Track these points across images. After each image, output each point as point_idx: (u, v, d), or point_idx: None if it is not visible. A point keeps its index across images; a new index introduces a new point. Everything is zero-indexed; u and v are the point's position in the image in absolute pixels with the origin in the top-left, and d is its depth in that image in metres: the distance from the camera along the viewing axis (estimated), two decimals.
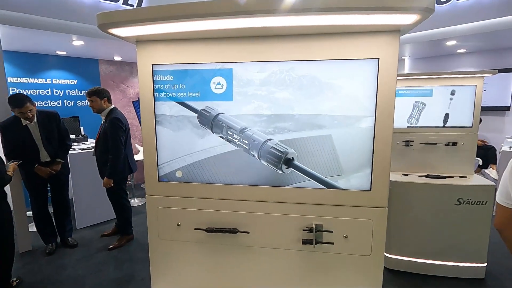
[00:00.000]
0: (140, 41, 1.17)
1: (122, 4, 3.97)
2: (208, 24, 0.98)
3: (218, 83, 1.17)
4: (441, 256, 2.66)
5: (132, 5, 4.06)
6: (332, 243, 1.16)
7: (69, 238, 3.37)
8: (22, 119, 2.87)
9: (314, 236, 1.15)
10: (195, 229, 1.27)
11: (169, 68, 1.20)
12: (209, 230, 1.24)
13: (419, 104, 2.95)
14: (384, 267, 2.77)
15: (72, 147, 4.21)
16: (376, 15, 0.87)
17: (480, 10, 3.93)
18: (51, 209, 3.29)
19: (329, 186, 1.15)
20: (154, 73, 1.20)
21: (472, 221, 2.56)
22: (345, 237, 1.16)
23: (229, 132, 1.18)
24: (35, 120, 2.96)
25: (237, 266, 1.28)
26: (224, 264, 1.30)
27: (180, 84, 1.20)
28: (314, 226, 1.15)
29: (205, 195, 1.25)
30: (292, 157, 1.15)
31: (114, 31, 1.02)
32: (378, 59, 1.03)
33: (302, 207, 1.18)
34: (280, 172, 1.17)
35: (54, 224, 3.31)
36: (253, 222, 1.23)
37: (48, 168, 3.02)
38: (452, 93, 2.86)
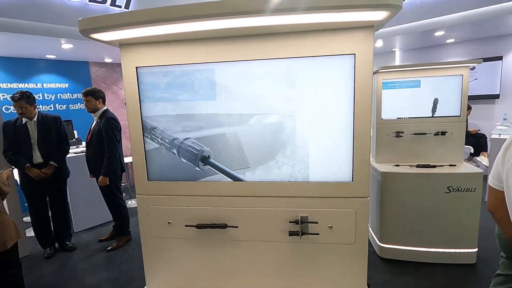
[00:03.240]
0: (124, 44, 1.19)
1: (110, 5, 3.96)
2: (188, 26, 1.00)
3: (201, 83, 1.20)
4: (433, 243, 2.73)
5: (120, 6, 4.05)
6: (318, 234, 1.20)
7: (67, 242, 3.39)
8: (23, 118, 2.96)
9: (300, 228, 1.19)
10: (186, 226, 1.30)
11: (153, 70, 1.22)
12: (199, 226, 1.28)
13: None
14: (378, 256, 2.86)
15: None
16: (350, 12, 0.91)
17: (467, 0, 3.97)
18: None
19: (235, 178, 1.24)
20: (138, 75, 1.22)
21: (462, 208, 2.63)
22: (330, 227, 1.20)
23: (152, 132, 1.25)
24: (35, 119, 3.02)
25: (227, 259, 1.33)
26: (214, 258, 1.34)
27: (164, 85, 1.23)
28: (299, 218, 1.20)
29: (194, 192, 1.29)
30: (208, 155, 1.24)
31: (96, 35, 1.05)
32: (354, 54, 1.06)
33: (288, 200, 1.22)
34: (197, 168, 1.26)
35: (52, 229, 3.33)
36: (241, 216, 1.27)
37: (39, 170, 3.01)
38: (435, 103, 2.94)
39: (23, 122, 2.98)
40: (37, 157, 3.04)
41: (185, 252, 1.35)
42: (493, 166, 1.12)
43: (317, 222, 1.19)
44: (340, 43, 1.06)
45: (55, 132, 3.13)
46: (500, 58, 5.16)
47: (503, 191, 1.04)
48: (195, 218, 1.30)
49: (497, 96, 5.30)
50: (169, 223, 1.33)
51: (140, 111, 1.25)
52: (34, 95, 3.04)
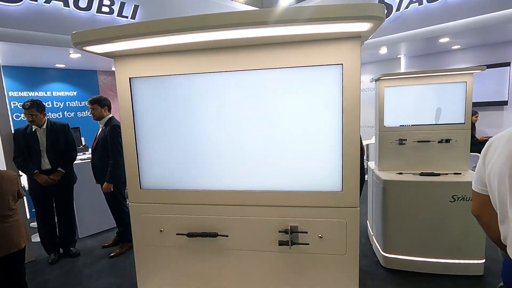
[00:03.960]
0: (117, 55, 1.22)
1: (117, 16, 4.08)
2: (180, 38, 1.03)
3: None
4: (438, 253, 2.66)
5: (127, 17, 4.16)
6: (308, 244, 1.19)
7: (71, 248, 3.43)
8: (33, 125, 3.05)
9: (290, 238, 1.19)
10: (177, 234, 1.31)
11: (147, 80, 1.25)
12: (190, 235, 1.29)
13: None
14: (382, 266, 2.80)
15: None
16: (335, 24, 0.92)
17: (471, 6, 3.94)
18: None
19: None
20: (132, 85, 1.25)
21: (468, 218, 2.55)
22: (320, 237, 1.19)
23: None
24: (44, 127, 3.12)
25: (218, 268, 1.32)
26: (205, 267, 1.34)
27: (158, 95, 1.25)
28: (289, 228, 1.19)
29: (185, 201, 1.30)
30: None
31: (90, 48, 1.08)
32: (342, 64, 1.07)
33: (278, 210, 1.22)
34: None
35: (57, 234, 3.37)
36: (232, 225, 1.27)
37: (47, 176, 3.09)
38: (438, 113, 2.92)
39: (33, 130, 3.09)
40: (46, 164, 3.12)
41: (177, 261, 1.36)
42: (476, 171, 1.12)
43: (306, 232, 1.18)
44: (328, 54, 1.07)
45: (63, 139, 3.22)
46: (508, 64, 5.06)
47: (487, 195, 1.06)
48: (186, 226, 1.31)
49: (505, 103, 5.19)
50: (161, 231, 1.34)
51: (133, 120, 1.27)
52: (44, 103, 3.13)
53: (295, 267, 1.24)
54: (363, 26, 0.91)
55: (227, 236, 1.27)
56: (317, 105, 1.14)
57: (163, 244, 1.35)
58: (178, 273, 1.37)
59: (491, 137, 3.77)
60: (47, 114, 3.20)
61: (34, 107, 2.99)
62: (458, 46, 5.36)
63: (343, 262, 1.19)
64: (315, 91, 1.13)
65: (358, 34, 1.01)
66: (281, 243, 1.19)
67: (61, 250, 3.42)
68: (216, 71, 1.17)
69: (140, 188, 1.33)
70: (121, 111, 1.27)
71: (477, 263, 2.62)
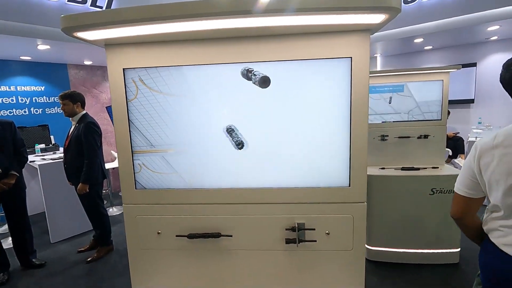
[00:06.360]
0: (109, 44, 1.12)
1: (90, 6, 3.82)
2: (179, 26, 0.96)
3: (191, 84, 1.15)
4: (418, 244, 2.78)
5: (101, 7, 3.91)
6: (315, 241, 1.17)
7: (33, 260, 3.08)
8: None
9: (297, 235, 1.16)
10: (177, 236, 1.23)
11: (142, 71, 1.16)
12: (191, 236, 1.22)
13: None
14: (366, 258, 2.87)
15: (43, 157, 4.01)
16: (348, 15, 0.89)
17: (444, 9, 4.15)
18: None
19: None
20: (126, 77, 1.15)
21: (445, 209, 2.68)
22: (327, 233, 1.18)
23: None
24: None
25: (222, 270, 1.27)
26: (208, 269, 1.27)
27: (155, 87, 1.17)
28: (296, 225, 1.16)
29: (184, 200, 1.23)
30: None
31: (81, 34, 0.98)
32: (351, 57, 1.05)
33: (284, 207, 1.18)
34: None
35: (5, 250, 2.95)
36: (236, 225, 1.22)
37: None
38: (390, 102, 3.05)
39: None
40: None
41: (177, 264, 1.28)
42: (463, 174, 1.12)
43: (314, 229, 1.16)
44: (337, 46, 1.05)
45: (10, 138, 2.82)
46: (474, 64, 5.42)
47: (473, 198, 1.10)
48: (186, 227, 1.24)
49: (472, 101, 5.55)
50: (158, 233, 1.26)
51: (127, 115, 1.18)
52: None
53: (302, 265, 1.22)
54: (377, 18, 0.90)
55: (231, 236, 1.22)
56: (325, 99, 1.11)
57: (161, 247, 1.26)
58: (178, 278, 1.29)
59: (458, 132, 3.98)
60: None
61: None
62: (430, 47, 5.65)
63: (350, 257, 1.19)
64: (323, 85, 1.10)
65: (368, 26, 0.99)
66: (288, 241, 1.16)
67: (18, 264, 3.05)
68: (220, 63, 1.11)
69: (135, 188, 1.23)
70: (113, 104, 1.17)
71: (453, 252, 2.77)
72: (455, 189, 1.17)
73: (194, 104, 1.17)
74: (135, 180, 1.23)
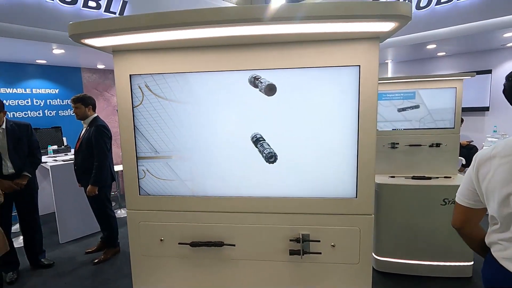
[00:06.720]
0: (117, 50, 1.13)
1: (104, 11, 3.91)
2: (186, 33, 0.96)
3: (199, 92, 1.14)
4: (429, 256, 2.69)
5: (115, 13, 3.99)
6: (320, 253, 1.14)
7: (42, 260, 3.13)
8: None
9: (301, 247, 1.13)
10: (179, 243, 1.22)
11: (149, 78, 1.16)
12: (193, 244, 1.20)
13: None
14: (374, 269, 2.81)
15: (55, 158, 4.09)
16: (357, 23, 0.87)
17: (458, 15, 4.07)
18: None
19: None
20: (132, 83, 1.16)
21: None
22: (333, 246, 1.14)
23: None
24: (4, 127, 2.77)
25: (224, 280, 1.25)
26: (210, 278, 1.26)
27: (161, 94, 1.17)
28: (301, 236, 1.13)
29: (188, 208, 1.22)
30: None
31: (88, 41, 0.99)
32: (359, 66, 1.03)
33: (288, 217, 1.16)
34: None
35: (16, 249, 3.02)
36: (239, 234, 1.20)
37: (10, 182, 2.76)
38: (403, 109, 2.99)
39: None
40: (8, 168, 2.78)
41: (179, 272, 1.27)
42: (463, 185, 1.13)
43: (319, 241, 1.13)
44: (345, 54, 1.03)
45: (26, 140, 2.90)
46: (489, 71, 5.27)
47: (473, 208, 1.10)
48: (189, 235, 1.22)
49: (487, 109, 5.40)
50: (161, 240, 1.25)
51: (133, 121, 1.18)
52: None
53: (306, 277, 1.19)
54: (386, 26, 0.88)
55: (234, 245, 1.20)
56: (332, 108, 1.09)
57: (164, 254, 1.26)
58: (180, 286, 1.27)
59: (472, 141, 3.88)
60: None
61: None
62: (443, 53, 5.54)
63: (356, 271, 1.15)
64: (330, 93, 1.08)
65: (377, 34, 0.97)
66: (292, 253, 1.13)
67: (28, 263, 3.10)
68: (227, 70, 1.10)
69: (139, 194, 1.23)
70: (119, 110, 1.18)
71: (466, 265, 2.68)
72: (456, 199, 1.17)
73: (199, 111, 1.16)
74: (139, 186, 1.23)
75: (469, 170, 1.11)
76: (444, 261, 2.69)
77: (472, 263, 2.67)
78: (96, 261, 3.19)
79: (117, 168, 4.47)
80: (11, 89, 4.52)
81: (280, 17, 0.85)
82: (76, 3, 3.66)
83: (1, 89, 4.43)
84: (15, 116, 4.45)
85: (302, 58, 1.06)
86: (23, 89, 4.64)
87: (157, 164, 1.21)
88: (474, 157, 1.08)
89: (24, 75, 4.66)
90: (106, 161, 3.11)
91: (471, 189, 1.09)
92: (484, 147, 4.39)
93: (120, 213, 4.65)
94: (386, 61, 6.29)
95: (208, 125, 1.17)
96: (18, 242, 3.41)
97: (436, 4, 4.18)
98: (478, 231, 1.17)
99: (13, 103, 4.50)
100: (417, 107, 2.97)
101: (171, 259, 1.26)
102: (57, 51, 4.00)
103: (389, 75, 6.38)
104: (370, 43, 1.00)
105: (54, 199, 3.60)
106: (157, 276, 1.28)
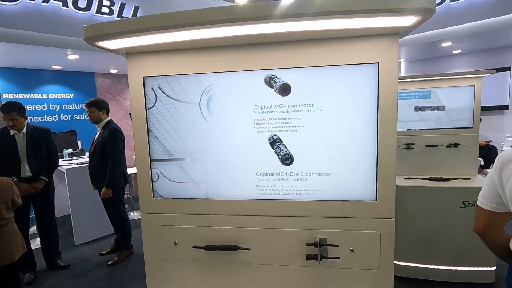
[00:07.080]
0: (130, 53, 1.13)
1: (117, 17, 3.98)
2: (201, 33, 0.94)
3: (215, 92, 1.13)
4: (448, 261, 2.60)
5: (127, 18, 4.06)
6: (338, 258, 1.10)
7: (58, 261, 3.19)
8: (10, 130, 2.80)
9: (318, 251, 1.09)
10: (193, 247, 1.20)
11: (162, 80, 1.15)
12: (207, 248, 1.18)
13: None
14: None
15: (70, 161, 4.17)
16: (375, 18, 0.84)
17: (473, 11, 3.94)
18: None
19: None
20: (145, 85, 1.15)
21: None
22: (352, 250, 1.10)
23: None
24: (24, 131, 2.86)
25: (239, 285, 1.22)
26: (225, 283, 1.23)
27: (174, 95, 1.16)
28: (318, 241, 1.09)
29: (202, 211, 1.20)
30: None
31: (102, 43, 0.99)
32: (378, 63, 0.99)
33: (305, 221, 1.12)
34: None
35: (33, 251, 3.08)
36: (254, 238, 1.17)
37: (27, 185, 2.83)
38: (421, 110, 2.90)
39: (11, 134, 2.81)
40: (26, 171, 2.85)
41: (193, 276, 1.25)
42: (485, 187, 1.07)
43: (337, 245, 1.09)
44: (363, 51, 0.99)
45: (44, 145, 2.97)
46: (508, 69, 5.09)
47: (496, 212, 1.04)
48: (203, 239, 1.21)
49: (506, 107, 5.20)
50: (175, 243, 1.23)
51: (146, 123, 1.18)
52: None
53: (324, 283, 1.15)
54: (407, 21, 0.84)
55: (249, 249, 1.17)
56: (350, 107, 1.05)
57: (178, 257, 1.24)
58: None
59: (491, 141, 3.73)
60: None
61: (15, 111, 2.72)
62: (459, 51, 5.38)
63: (377, 277, 1.10)
64: (348, 92, 1.04)
65: (397, 30, 0.93)
66: (309, 257, 1.10)
67: (44, 264, 3.16)
68: (241, 70, 1.08)
69: (153, 197, 1.22)
70: (133, 112, 1.17)
71: (488, 271, 2.56)
72: (478, 202, 1.11)
73: (213, 112, 1.14)
74: (152, 189, 1.22)
75: (491, 171, 1.06)
76: (464, 266, 2.59)
77: (494, 268, 2.56)
78: (110, 263, 3.22)
79: (130, 170, 4.52)
80: (28, 94, 4.65)
81: (295, 14, 0.82)
82: (90, 9, 3.74)
83: (19, 94, 4.57)
84: (32, 120, 4.58)
85: (318, 56, 1.02)
86: (39, 95, 4.77)
87: (170, 167, 1.20)
88: (496, 158, 1.03)
89: (40, 81, 4.79)
90: (119, 164, 3.14)
91: (494, 191, 1.03)
92: (504, 147, 4.22)
93: (133, 215, 4.69)
94: (398, 60, 6.16)
95: (221, 127, 1.15)
96: (35, 243, 3.49)
97: (451, 1, 4.07)
98: (502, 236, 1.10)
99: (30, 108, 4.62)
100: (441, 108, 2.86)
101: (185, 262, 1.24)
102: (72, 56, 4.09)
103: (402, 74, 6.25)
104: (389, 39, 0.96)
105: (70, 201, 3.66)
106: (171, 279, 1.27)
